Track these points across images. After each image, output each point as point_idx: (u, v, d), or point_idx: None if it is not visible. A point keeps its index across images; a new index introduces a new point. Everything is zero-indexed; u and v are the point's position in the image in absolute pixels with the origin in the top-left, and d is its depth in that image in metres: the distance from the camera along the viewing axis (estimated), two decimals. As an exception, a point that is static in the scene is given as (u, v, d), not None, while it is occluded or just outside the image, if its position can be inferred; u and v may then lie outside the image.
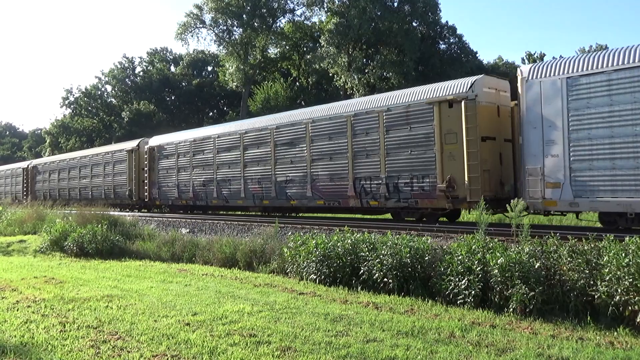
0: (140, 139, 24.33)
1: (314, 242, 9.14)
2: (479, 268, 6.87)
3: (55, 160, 32.41)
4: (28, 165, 35.59)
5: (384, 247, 8.05)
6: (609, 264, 5.99)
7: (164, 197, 21.53)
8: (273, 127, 16.43)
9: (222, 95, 58.42)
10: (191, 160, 19.87)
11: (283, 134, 16.13)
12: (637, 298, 5.61)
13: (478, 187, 11.17)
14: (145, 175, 22.47)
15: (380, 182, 13.25)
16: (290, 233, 11.79)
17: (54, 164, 31.62)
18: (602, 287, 5.93)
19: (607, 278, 5.90)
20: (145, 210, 24.40)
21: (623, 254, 5.97)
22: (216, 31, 46.14)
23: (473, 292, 6.77)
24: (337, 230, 9.68)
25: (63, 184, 30.19)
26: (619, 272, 5.83)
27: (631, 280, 5.69)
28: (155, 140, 22.66)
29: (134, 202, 23.89)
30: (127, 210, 24.38)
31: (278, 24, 46.84)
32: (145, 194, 22.50)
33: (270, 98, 41.38)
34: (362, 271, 8.20)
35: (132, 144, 24.83)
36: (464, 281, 6.91)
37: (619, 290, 5.75)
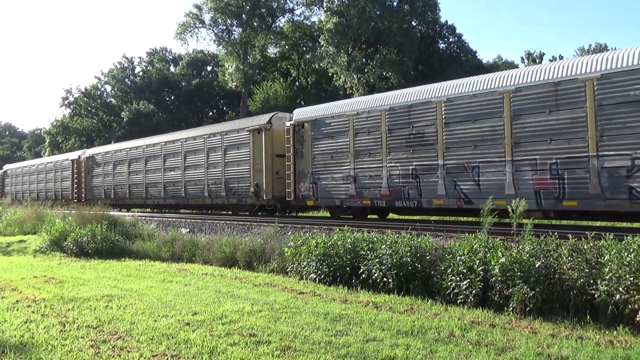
0: (273, 114, 17.63)
1: (314, 241, 9.15)
2: (481, 268, 6.86)
3: (123, 148, 25.14)
4: (80, 156, 28.20)
5: (383, 246, 8.06)
6: (610, 263, 5.98)
7: (326, 195, 15.00)
8: (592, 77, 9.96)
9: (222, 95, 58.40)
10: (385, 139, 13.44)
11: (619, 87, 9.69)
12: (637, 297, 5.61)
13: None
14: (289, 163, 15.96)
15: None
16: (290, 233, 11.79)
17: (122, 153, 24.69)
18: (602, 286, 5.93)
19: (608, 277, 5.89)
20: (262, 214, 18.02)
21: (625, 253, 5.97)
22: (215, 31, 46.15)
23: (473, 291, 6.77)
24: (337, 230, 9.68)
25: (136, 179, 23.31)
26: (620, 271, 5.82)
27: (632, 279, 5.68)
28: (304, 114, 16.02)
29: (264, 201, 17.12)
30: (248, 214, 18.20)
31: (277, 24, 46.86)
32: (288, 190, 16.02)
33: (270, 98, 41.37)
34: (361, 270, 8.20)
35: (257, 120, 17.95)
36: (465, 281, 6.91)
37: (620, 289, 5.74)
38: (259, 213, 18.15)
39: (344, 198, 14.52)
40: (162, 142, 22.44)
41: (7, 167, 39.70)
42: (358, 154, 14.16)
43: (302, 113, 16.23)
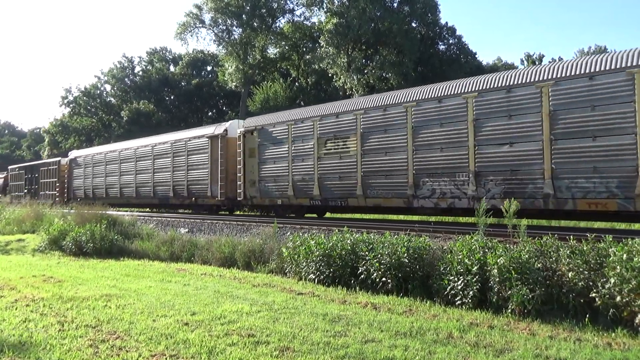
0: None
1: (313, 242, 9.14)
2: (477, 267, 6.86)
3: (346, 112, 14.09)
4: (227, 130, 18.42)
5: (382, 246, 8.06)
6: (617, 265, 5.90)
7: None
8: None
9: (222, 95, 58.46)
10: None
11: None
12: (638, 301, 5.59)
13: None
14: None
15: None
16: (289, 233, 11.79)
17: (349, 118, 13.88)
18: (602, 288, 5.89)
19: (613, 281, 5.80)
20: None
21: (629, 256, 5.91)
22: (216, 31, 46.20)
23: (472, 292, 6.77)
24: (336, 230, 9.67)
25: (390, 161, 12.91)
26: (625, 274, 5.77)
27: (635, 282, 5.63)
28: None
29: None
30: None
31: (277, 24, 46.90)
32: None
33: (270, 98, 41.35)
34: (360, 271, 8.20)
35: None
36: (463, 281, 6.91)
37: (622, 292, 5.70)
38: None
39: None
40: (449, 92, 11.94)
41: (74, 153, 28.77)
42: None
43: None
